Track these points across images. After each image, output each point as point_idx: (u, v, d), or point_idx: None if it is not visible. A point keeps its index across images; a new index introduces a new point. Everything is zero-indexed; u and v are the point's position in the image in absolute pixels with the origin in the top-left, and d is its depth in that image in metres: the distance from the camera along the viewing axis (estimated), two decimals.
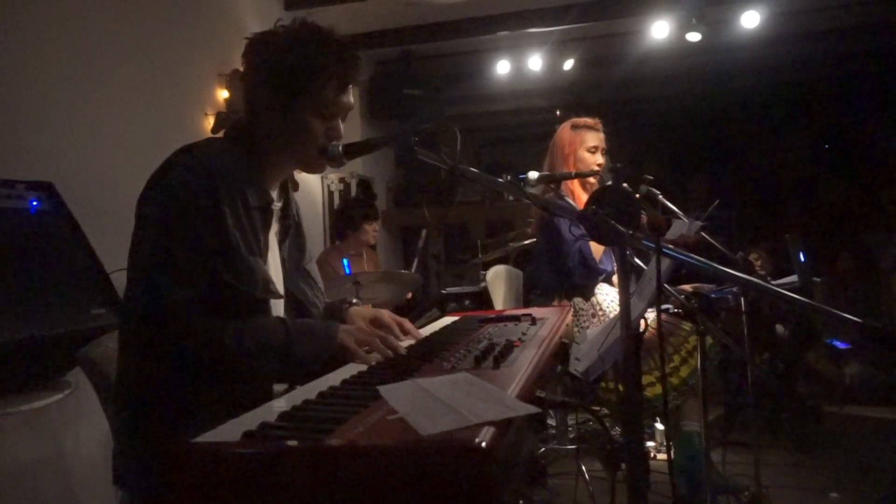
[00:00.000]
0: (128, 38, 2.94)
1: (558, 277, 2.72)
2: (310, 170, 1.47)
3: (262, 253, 1.34)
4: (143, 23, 3.06)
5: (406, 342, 1.41)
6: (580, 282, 2.68)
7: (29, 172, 2.17)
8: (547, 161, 2.86)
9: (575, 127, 2.83)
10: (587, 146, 2.77)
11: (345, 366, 1.23)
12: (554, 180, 2.50)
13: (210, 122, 3.52)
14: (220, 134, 1.48)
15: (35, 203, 2.08)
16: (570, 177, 2.63)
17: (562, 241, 2.63)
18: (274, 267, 1.43)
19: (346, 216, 3.85)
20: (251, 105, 1.39)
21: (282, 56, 1.34)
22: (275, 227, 1.45)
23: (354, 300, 1.66)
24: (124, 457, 1.30)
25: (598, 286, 2.76)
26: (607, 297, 2.71)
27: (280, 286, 1.41)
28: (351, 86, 1.41)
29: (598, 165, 2.75)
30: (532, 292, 3.14)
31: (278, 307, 1.39)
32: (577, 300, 2.71)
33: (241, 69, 1.41)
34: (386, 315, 1.50)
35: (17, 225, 2.02)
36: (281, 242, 1.48)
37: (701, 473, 2.25)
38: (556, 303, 2.74)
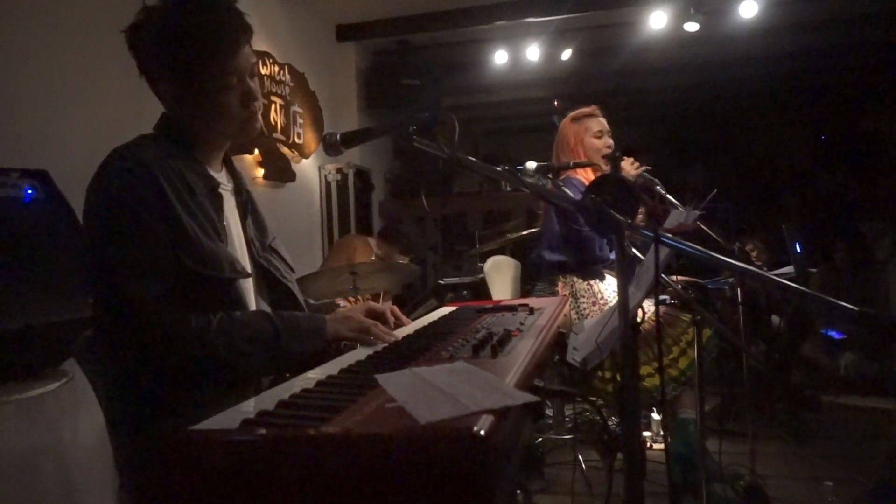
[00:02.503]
0: (123, 26, 2.92)
1: (574, 253, 2.72)
2: (243, 139, 1.45)
3: (222, 236, 1.32)
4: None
5: (400, 330, 1.42)
6: (598, 252, 2.69)
7: (23, 160, 2.15)
8: (553, 158, 2.88)
9: (575, 119, 2.86)
10: (592, 132, 2.81)
11: (341, 356, 1.24)
12: (552, 170, 2.50)
13: None
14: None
15: (30, 191, 2.06)
16: (567, 166, 2.64)
17: (575, 217, 2.65)
18: (238, 246, 1.41)
19: (398, 234, 3.86)
20: (161, 99, 1.37)
21: (163, 44, 1.30)
22: (231, 204, 1.44)
23: (342, 303, 1.67)
24: (119, 446, 1.30)
25: (604, 275, 2.77)
26: (609, 286, 2.72)
27: (247, 264, 1.39)
28: (245, 44, 1.35)
29: (608, 148, 2.77)
30: (529, 282, 3.14)
31: (247, 285, 1.37)
32: (579, 285, 2.71)
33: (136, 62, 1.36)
34: (376, 305, 1.50)
35: (12, 214, 2.00)
36: (243, 220, 1.46)
37: (697, 460, 2.26)
38: (559, 286, 2.75)
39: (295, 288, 1.51)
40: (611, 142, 2.81)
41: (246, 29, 1.34)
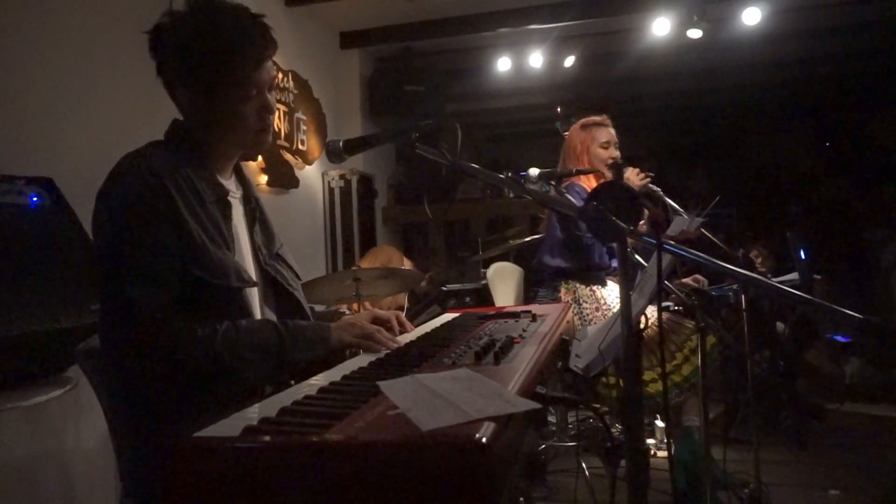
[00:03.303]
0: (128, 33, 2.93)
1: (575, 259, 2.72)
2: (254, 151, 1.45)
3: (229, 244, 1.33)
4: (143, 17, 3.05)
5: (403, 337, 1.42)
6: (598, 260, 2.69)
7: (29, 168, 2.16)
8: (560, 163, 2.89)
9: (585, 126, 2.87)
10: (599, 142, 2.81)
11: (343, 362, 1.24)
12: (554, 177, 2.50)
13: None
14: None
15: (35, 198, 2.07)
16: (570, 173, 2.64)
17: (577, 223, 2.65)
18: (245, 254, 1.41)
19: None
20: (176, 100, 1.38)
21: (187, 50, 1.31)
22: (240, 212, 1.44)
23: (346, 311, 1.67)
24: (123, 452, 1.31)
25: (606, 281, 2.77)
26: (612, 292, 2.72)
27: (253, 272, 1.39)
28: (269, 58, 1.36)
29: (613, 159, 2.78)
30: (532, 289, 3.14)
31: (253, 294, 1.38)
32: (582, 291, 2.70)
33: (156, 66, 1.37)
34: (381, 312, 1.51)
35: (17, 220, 2.01)
36: (251, 228, 1.46)
37: (701, 468, 2.25)
38: (562, 292, 2.74)
39: (301, 296, 1.51)
40: (617, 153, 2.81)
41: (271, 43, 1.36)
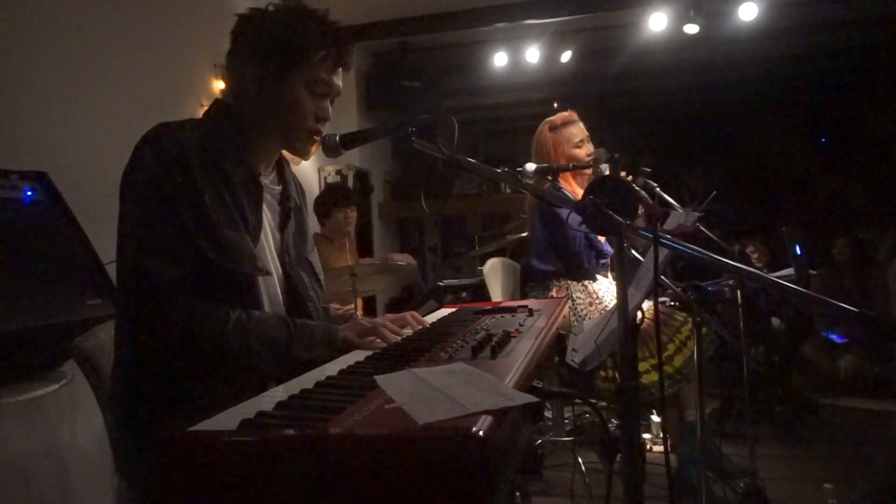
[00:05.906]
0: (123, 29, 2.92)
1: (563, 263, 2.72)
2: (296, 151, 1.43)
3: (250, 227, 1.31)
4: (138, 13, 3.04)
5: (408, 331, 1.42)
6: (587, 265, 2.68)
7: (23, 162, 2.15)
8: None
9: (553, 128, 2.77)
10: (573, 143, 2.73)
11: (342, 356, 1.23)
12: (551, 172, 2.49)
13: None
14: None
15: (29, 193, 2.07)
16: (567, 168, 2.63)
17: (565, 227, 2.63)
18: (267, 246, 1.40)
19: (319, 202, 3.77)
20: (241, 79, 1.37)
21: (278, 29, 1.33)
22: (272, 205, 1.43)
23: (353, 313, 1.67)
24: (121, 447, 1.30)
25: (597, 277, 2.77)
26: (602, 286, 2.72)
27: (272, 267, 1.38)
28: (342, 69, 1.39)
29: (589, 155, 2.74)
30: (528, 284, 3.14)
31: (267, 284, 1.36)
32: (574, 286, 2.71)
33: (231, 46, 1.38)
34: (396, 316, 1.50)
35: (11, 215, 2.00)
36: (282, 228, 1.45)
37: (703, 461, 2.25)
38: (553, 291, 2.74)
39: (316, 306, 1.48)
40: (591, 148, 2.76)
41: (351, 58, 1.40)
